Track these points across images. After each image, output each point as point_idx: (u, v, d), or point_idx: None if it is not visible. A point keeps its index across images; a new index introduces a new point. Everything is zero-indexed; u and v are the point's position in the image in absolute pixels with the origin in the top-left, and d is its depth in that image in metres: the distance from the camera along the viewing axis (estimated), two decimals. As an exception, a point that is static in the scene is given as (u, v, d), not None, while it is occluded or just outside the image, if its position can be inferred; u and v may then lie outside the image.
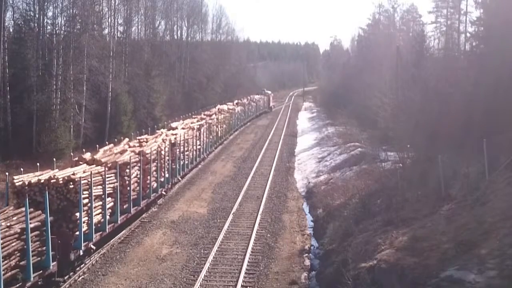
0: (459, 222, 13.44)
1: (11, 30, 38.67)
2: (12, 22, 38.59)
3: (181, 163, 28.16)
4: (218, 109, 48.27)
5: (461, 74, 25.23)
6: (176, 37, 67.21)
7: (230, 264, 16.97)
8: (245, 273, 16.10)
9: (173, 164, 26.31)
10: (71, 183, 15.66)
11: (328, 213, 22.19)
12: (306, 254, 18.32)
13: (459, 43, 39.89)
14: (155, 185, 23.12)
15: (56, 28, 38.57)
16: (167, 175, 24.96)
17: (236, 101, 61.81)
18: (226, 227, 20.62)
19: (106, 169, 17.85)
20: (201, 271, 15.96)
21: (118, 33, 49.41)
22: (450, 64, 30.63)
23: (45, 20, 38.06)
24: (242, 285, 15.25)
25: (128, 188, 19.65)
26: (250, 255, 17.62)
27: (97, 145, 24.65)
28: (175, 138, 26.96)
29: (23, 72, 34.92)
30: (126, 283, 15.58)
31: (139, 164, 20.85)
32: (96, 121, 39.13)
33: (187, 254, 17.91)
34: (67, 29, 38.66)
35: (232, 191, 27.39)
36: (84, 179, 16.03)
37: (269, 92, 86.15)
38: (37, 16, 37.48)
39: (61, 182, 15.60)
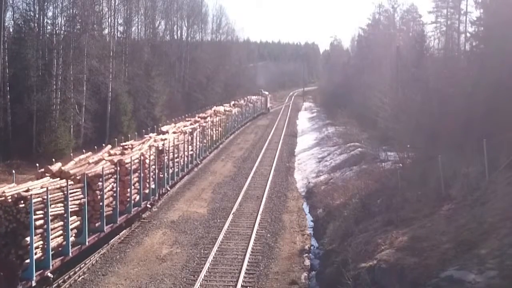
0: (459, 222, 13.45)
1: (11, 30, 38.72)
2: (12, 22, 38.71)
3: (170, 171, 25.86)
4: (214, 111, 46.22)
5: (461, 74, 25.22)
6: (176, 37, 67.28)
7: (230, 264, 16.96)
8: (245, 273, 16.09)
9: (160, 173, 23.91)
10: (21, 201, 13.32)
11: (328, 213, 22.19)
12: (306, 254, 18.32)
13: (459, 43, 39.92)
14: (137, 198, 20.84)
15: (56, 28, 38.63)
16: (153, 186, 22.68)
17: (233, 102, 60.13)
18: (226, 227, 20.62)
19: (72, 182, 15.63)
20: (201, 271, 15.95)
21: (118, 33, 49.57)
22: (450, 64, 30.63)
23: (45, 20, 38.20)
24: (242, 285, 15.24)
25: (101, 203, 17.26)
26: (250, 255, 17.61)
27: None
28: (163, 144, 24.50)
29: (23, 72, 34.96)
30: (126, 283, 15.57)
31: (115, 176, 18.49)
32: (96, 121, 39.16)
33: (187, 254, 17.90)
34: (67, 29, 38.70)
35: (232, 191, 27.39)
36: (38, 196, 13.67)
37: (267, 92, 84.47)
38: (37, 16, 37.54)
39: (10, 200, 13.28)
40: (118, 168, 18.80)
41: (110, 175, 18.23)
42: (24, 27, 37.54)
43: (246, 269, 16.36)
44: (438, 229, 13.61)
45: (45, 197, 13.80)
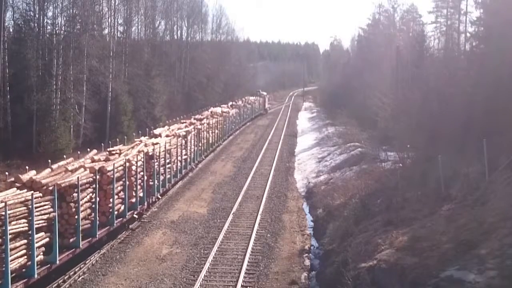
0: (459, 222, 13.45)
1: (11, 30, 38.69)
2: (12, 22, 38.65)
3: (161, 178, 24.12)
4: (211, 112, 44.41)
5: (461, 74, 25.26)
6: (176, 37, 67.22)
7: (230, 264, 16.96)
8: (245, 273, 16.09)
9: (150, 180, 22.27)
10: None
11: (328, 213, 22.20)
12: (306, 254, 18.32)
13: (459, 43, 39.86)
14: (121, 208, 19.17)
15: (56, 28, 38.57)
16: (141, 195, 21.04)
17: (231, 103, 59.01)
18: (226, 227, 20.61)
19: (41, 194, 14.16)
20: (201, 271, 15.95)
21: (118, 33, 49.47)
22: (450, 64, 30.64)
23: (45, 20, 38.11)
24: (242, 285, 15.24)
25: (76, 216, 15.58)
26: (250, 255, 17.61)
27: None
28: (154, 149, 22.72)
29: (23, 72, 34.92)
30: (126, 283, 15.58)
31: (93, 185, 16.80)
32: (96, 121, 39.14)
33: (187, 254, 17.90)
34: (67, 29, 38.66)
35: (232, 191, 27.39)
36: None
37: (265, 93, 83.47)
38: (37, 16, 37.48)
39: None
40: (99, 177, 17.22)
41: (88, 185, 16.57)
42: (24, 27, 37.49)
43: (246, 269, 16.36)
44: (438, 229, 13.61)
45: (3, 213, 12.13)
